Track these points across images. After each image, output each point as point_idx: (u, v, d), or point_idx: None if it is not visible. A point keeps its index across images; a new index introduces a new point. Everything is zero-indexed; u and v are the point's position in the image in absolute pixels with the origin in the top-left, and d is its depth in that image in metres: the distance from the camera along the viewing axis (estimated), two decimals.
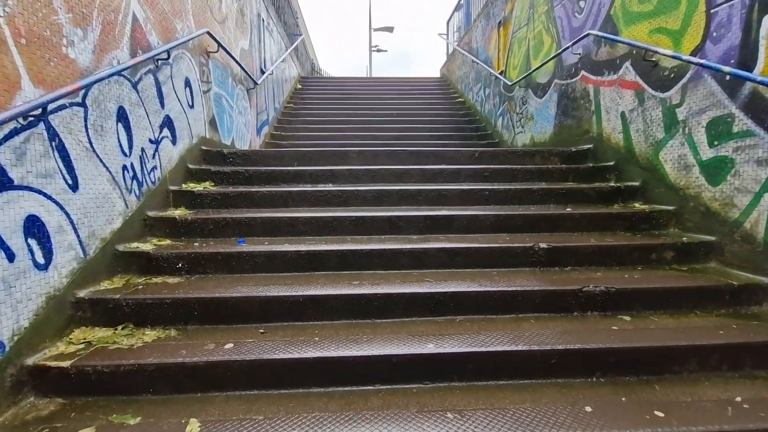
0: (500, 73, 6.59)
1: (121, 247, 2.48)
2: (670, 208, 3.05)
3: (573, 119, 4.46)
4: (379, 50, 26.42)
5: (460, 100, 8.99)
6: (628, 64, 3.55)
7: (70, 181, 2.08)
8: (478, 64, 7.73)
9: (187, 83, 3.59)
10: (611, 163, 3.75)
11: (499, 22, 6.64)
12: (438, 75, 12.57)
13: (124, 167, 2.57)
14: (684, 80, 2.93)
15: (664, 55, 2.99)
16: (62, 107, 2.03)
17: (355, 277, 2.49)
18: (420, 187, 3.39)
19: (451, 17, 11.17)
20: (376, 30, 25.64)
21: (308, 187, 3.42)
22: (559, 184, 3.63)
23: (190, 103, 3.63)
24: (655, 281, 2.42)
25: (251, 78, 5.43)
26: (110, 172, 2.42)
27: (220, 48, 4.20)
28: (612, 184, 3.54)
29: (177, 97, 3.36)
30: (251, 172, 3.60)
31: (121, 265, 2.47)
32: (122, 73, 2.54)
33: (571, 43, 4.26)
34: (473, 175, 3.75)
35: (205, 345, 1.94)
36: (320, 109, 8.43)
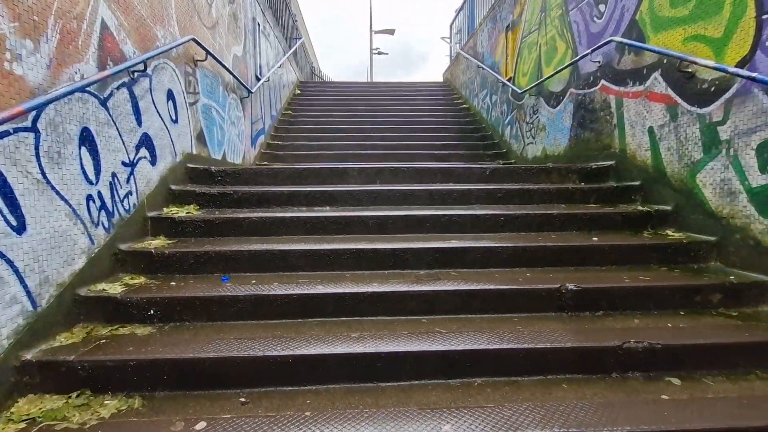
0: (508, 80, 6.25)
1: (83, 292, 2.14)
2: (711, 238, 2.70)
3: (591, 132, 4.11)
4: (380, 53, 26.14)
5: (464, 106, 8.65)
6: (657, 74, 3.21)
7: (14, 222, 1.74)
8: (483, 69, 7.39)
9: (170, 96, 3.25)
10: (637, 183, 3.40)
11: (507, 26, 6.30)
12: (441, 79, 12.25)
13: (90, 197, 2.23)
14: (728, 95, 2.59)
15: (704, 66, 2.65)
16: (3, 134, 1.69)
17: (356, 326, 2.15)
18: (427, 213, 3.04)
19: (454, 20, 10.85)
20: (377, 32, 25.37)
21: (303, 212, 3.08)
22: (581, 207, 3.29)
23: (174, 118, 3.30)
24: (705, 333, 2.07)
25: (245, 86, 5.09)
26: (70, 205, 2.08)
27: (209, 56, 3.87)
28: (640, 207, 3.19)
29: (157, 111, 3.03)
30: (240, 194, 3.26)
31: (84, 312, 2.13)
32: (87, 89, 2.20)
33: (590, 50, 3.92)
34: (485, 197, 3.40)
35: (172, 425, 1.60)
36: (319, 117, 8.10)
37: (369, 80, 26.90)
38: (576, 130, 4.39)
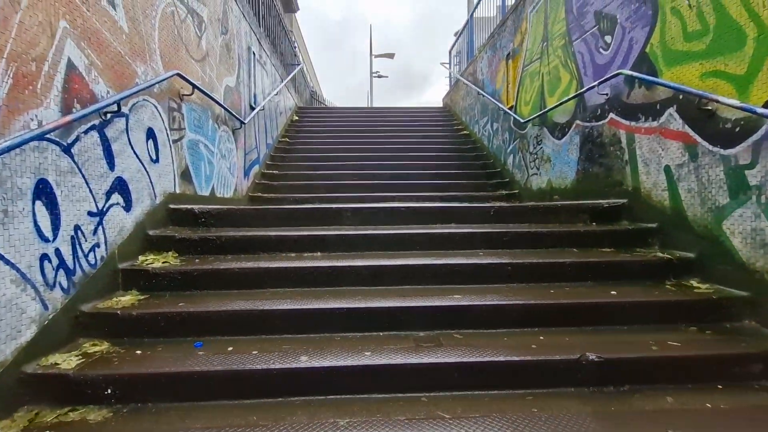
0: (510, 108, 6.09)
1: (30, 368, 1.86)
2: (743, 293, 2.42)
3: (601, 167, 3.89)
4: (380, 76, 26.43)
5: (465, 132, 8.50)
6: (672, 110, 2.99)
7: None
8: (484, 96, 7.26)
9: (151, 134, 3.04)
10: (653, 226, 3.15)
11: (508, 55, 6.18)
12: (440, 104, 12.18)
13: (44, 257, 1.98)
14: (756, 137, 2.36)
15: (728, 105, 2.43)
16: None
17: (345, 407, 1.85)
18: (427, 261, 2.77)
19: (453, 46, 10.83)
20: (377, 56, 25.70)
21: (291, 261, 2.81)
22: (595, 252, 3.02)
23: (154, 157, 3.07)
24: (755, 416, 1.77)
25: (237, 118, 4.91)
26: (18, 270, 1.82)
27: (197, 90, 3.68)
28: (659, 253, 2.92)
29: (135, 153, 2.80)
30: (224, 239, 3.00)
31: (30, 393, 1.83)
32: (47, 136, 1.97)
33: (597, 82, 3.73)
34: (490, 240, 3.14)
35: None
36: (316, 144, 7.93)
37: (369, 104, 27.09)
38: (584, 163, 4.17)
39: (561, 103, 4.44)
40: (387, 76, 25.75)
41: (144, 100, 2.94)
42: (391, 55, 25.37)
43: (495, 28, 6.85)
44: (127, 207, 2.71)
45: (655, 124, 3.16)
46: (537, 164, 5.22)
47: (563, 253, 2.98)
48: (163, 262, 2.74)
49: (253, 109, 5.85)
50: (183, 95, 3.56)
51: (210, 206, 3.49)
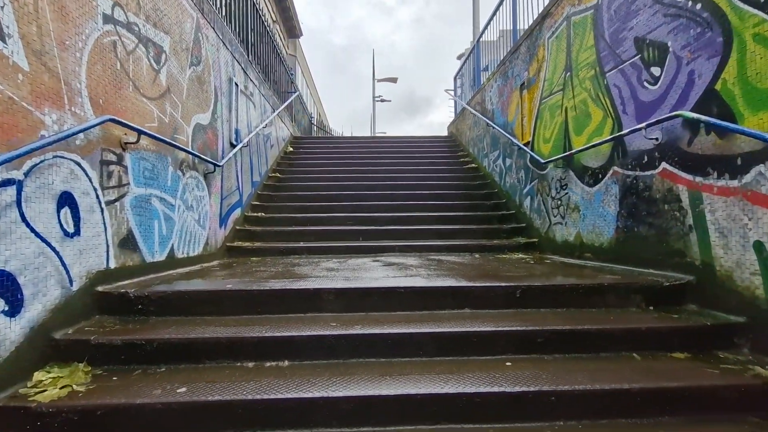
0: (526, 144, 5.35)
1: None
2: None
3: (650, 228, 3.09)
4: (383, 100, 26.15)
5: (472, 165, 7.77)
6: (763, 169, 2.22)
7: None
8: (494, 128, 6.55)
9: (67, 200, 2.30)
10: (741, 320, 2.33)
11: (522, 85, 5.50)
12: (445, 133, 11.53)
13: None
14: None
15: None
16: None
17: None
18: (435, 390, 1.94)
19: (458, 72, 10.25)
20: (380, 81, 25.48)
21: (243, 382, 2.00)
22: (665, 362, 2.18)
23: (71, 230, 2.33)
24: None
25: (208, 161, 4.19)
26: None
27: (147, 135, 2.98)
28: (759, 368, 2.09)
29: (33, 231, 2.06)
30: (156, 345, 2.21)
31: None
32: None
33: (644, 124, 2.99)
34: (519, 343, 2.32)
35: None
36: (310, 180, 7.22)
37: (371, 127, 26.68)
38: (625, 220, 3.38)
39: (593, 146, 3.69)
40: (390, 101, 25.42)
41: (56, 156, 2.22)
42: (394, 80, 25.12)
43: (506, 54, 6.21)
44: (14, 309, 1.94)
45: (735, 183, 2.39)
46: (562, 212, 4.44)
47: (621, 366, 2.15)
48: (62, 387, 1.94)
49: (234, 146, 5.16)
50: (126, 143, 2.85)
51: (153, 288, 2.71)
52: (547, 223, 4.80)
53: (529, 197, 5.35)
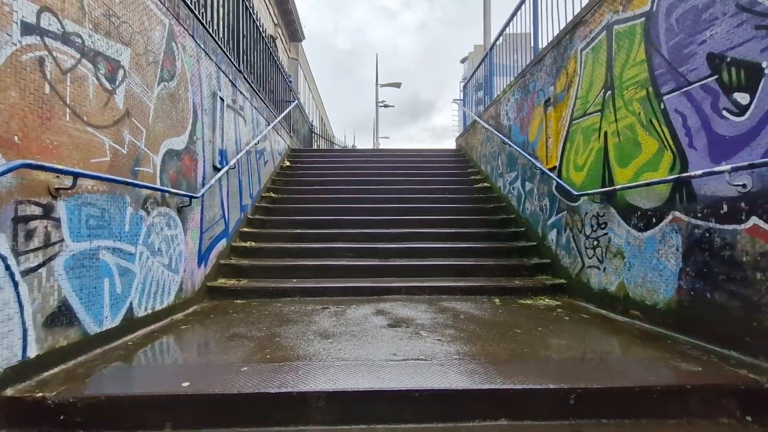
0: (551, 169, 4.69)
1: None
2: None
3: (732, 298, 2.42)
4: (386, 106, 25.57)
5: (485, 185, 7.10)
6: None
7: None
8: (511, 147, 5.88)
9: None
10: None
11: (547, 101, 4.83)
12: (451, 143, 10.88)
13: None
14: None
15: None
16: None
17: None
18: None
19: (468, 81, 9.60)
20: (383, 86, 24.92)
21: None
22: None
23: None
24: None
25: (180, 194, 3.54)
26: None
27: (92, 176, 2.33)
28: None
29: None
30: None
31: None
32: None
33: (728, 167, 2.32)
34: None
35: None
36: (307, 200, 6.57)
37: (374, 133, 26.06)
38: (692, 281, 2.71)
39: (646, 184, 3.02)
40: (393, 106, 24.82)
41: None
42: (397, 85, 24.54)
43: (527, 66, 5.54)
44: None
45: None
46: (599, 255, 3.76)
47: None
48: None
49: (218, 170, 4.51)
50: (59, 189, 2.20)
51: (70, 398, 2.05)
52: (578, 263, 4.13)
53: (554, 230, 4.68)
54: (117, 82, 2.74)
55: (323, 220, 5.83)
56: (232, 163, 4.78)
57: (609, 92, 3.63)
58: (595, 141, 3.84)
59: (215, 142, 4.48)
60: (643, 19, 3.20)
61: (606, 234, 3.66)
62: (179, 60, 3.65)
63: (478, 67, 8.59)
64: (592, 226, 3.89)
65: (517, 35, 6.28)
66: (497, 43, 7.22)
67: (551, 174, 4.64)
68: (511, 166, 6.12)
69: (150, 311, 3.13)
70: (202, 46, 4.15)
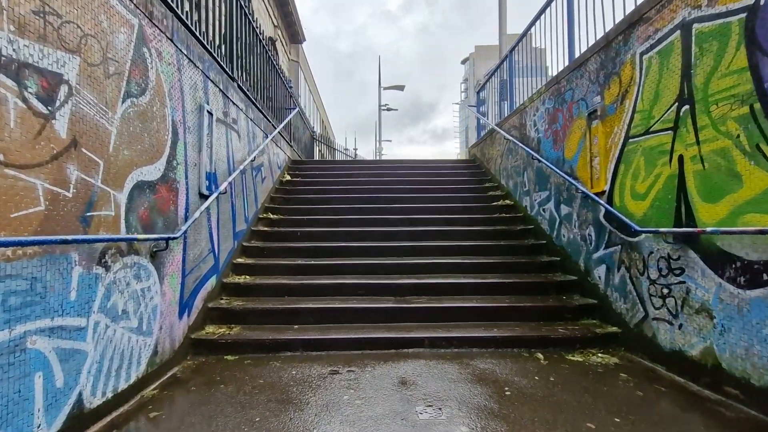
0: (599, 194, 3.98)
1: None
2: None
3: None
4: (389, 109, 24.91)
5: (507, 203, 6.38)
6: None
7: None
8: (541, 163, 5.17)
9: None
10: None
11: (592, 113, 4.12)
12: (456, 149, 10.18)
13: None
14: None
15: None
16: None
17: None
18: None
19: (483, 87, 8.89)
20: (386, 89, 24.27)
21: None
22: None
23: None
24: None
25: (156, 239, 2.83)
26: None
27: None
28: None
29: None
30: None
31: None
32: None
33: None
34: None
35: None
36: (309, 222, 5.87)
37: (376, 136, 25.35)
38: None
39: (760, 232, 2.31)
40: (397, 110, 24.14)
41: None
42: (401, 87, 23.87)
43: (561, 71, 4.83)
44: None
45: None
46: (671, 307, 3.05)
47: None
48: None
49: (205, 197, 3.81)
50: None
51: None
52: (638, 312, 3.41)
53: (603, 266, 3.96)
54: (57, 104, 2.03)
55: (328, 248, 5.12)
56: (222, 187, 4.08)
57: (686, 107, 2.92)
58: (663, 165, 3.13)
59: (202, 164, 3.78)
60: (743, 15, 2.49)
61: (683, 283, 2.95)
62: (153, 69, 2.95)
63: (494, 71, 7.88)
64: (660, 270, 3.18)
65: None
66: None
67: (598, 199, 3.93)
68: (541, 185, 5.40)
69: (111, 395, 2.42)
70: (185, 52, 3.45)
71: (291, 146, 8.94)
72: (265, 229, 5.59)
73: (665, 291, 3.12)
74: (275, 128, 7.10)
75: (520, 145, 5.79)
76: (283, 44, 20.04)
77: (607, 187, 3.88)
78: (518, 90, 6.68)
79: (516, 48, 6.71)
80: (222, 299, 4.18)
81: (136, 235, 2.57)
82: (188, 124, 3.53)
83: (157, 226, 2.97)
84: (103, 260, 2.37)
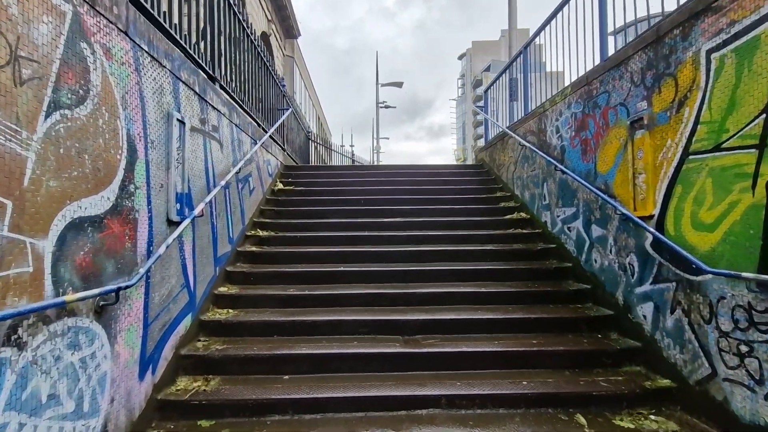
0: (646, 218, 3.36)
1: None
2: None
3: None
4: (387, 107, 24.22)
5: (521, 216, 5.76)
6: None
7: None
8: (562, 172, 4.54)
9: None
10: None
11: (635, 121, 3.49)
12: (462, 152, 9.54)
13: None
14: None
15: None
16: None
17: None
18: None
19: (490, 86, 8.24)
20: (383, 85, 23.59)
21: None
22: None
23: None
24: None
25: (98, 294, 2.17)
26: None
27: None
28: None
29: None
30: None
31: None
32: None
33: None
34: None
35: None
36: (302, 240, 5.23)
37: (374, 134, 24.66)
38: None
39: None
40: (395, 107, 23.46)
41: None
42: (399, 84, 23.18)
43: (594, 70, 4.19)
44: None
45: None
46: (756, 371, 2.44)
47: None
48: None
49: (176, 224, 3.16)
50: None
51: None
52: (702, 368, 2.80)
53: (650, 304, 3.35)
54: None
55: (324, 273, 4.48)
56: (198, 210, 3.41)
57: None
58: (743, 192, 2.51)
59: (171, 185, 3.12)
60: None
61: None
62: (97, 72, 2.29)
63: (506, 69, 7.23)
64: (735, 321, 2.56)
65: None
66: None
67: (644, 224, 3.31)
68: (565, 200, 4.78)
69: None
70: (145, 48, 2.78)
71: (284, 150, 8.27)
72: (253, 249, 4.94)
73: (744, 349, 2.51)
74: (266, 131, 6.44)
75: (540, 153, 5.16)
76: (277, 39, 19.27)
77: (656, 211, 3.26)
78: (534, 90, 6.05)
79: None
80: (199, 341, 3.54)
81: (62, 298, 1.91)
82: (151, 137, 2.87)
83: (105, 272, 2.32)
84: (13, 337, 1.72)
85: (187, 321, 3.44)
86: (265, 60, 6.78)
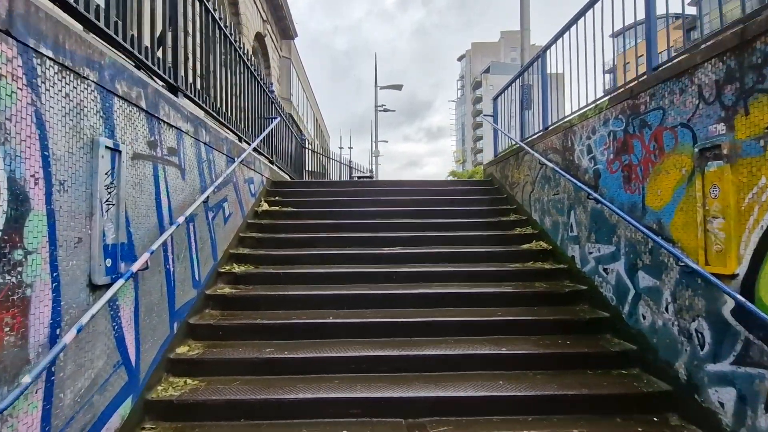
0: (723, 277, 2.57)
1: None
2: None
3: None
4: (386, 110, 23.46)
5: (541, 245, 4.97)
6: None
7: None
8: (596, 201, 3.76)
9: None
10: None
11: (705, 149, 2.70)
12: (461, 154, 8.76)
13: None
14: None
15: None
16: None
17: None
18: None
19: (500, 93, 7.45)
20: (382, 88, 22.84)
21: None
22: None
23: None
24: None
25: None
26: None
27: None
28: None
29: None
30: None
31: None
32: None
33: None
34: None
35: None
36: (287, 277, 4.43)
37: (372, 137, 23.87)
38: None
39: None
40: (394, 110, 22.70)
41: None
42: (398, 87, 22.44)
43: (642, 80, 3.41)
44: None
45: None
46: None
47: None
48: None
49: (103, 287, 2.35)
50: None
51: None
52: None
53: (731, 390, 2.55)
54: None
55: (310, 326, 3.68)
56: (140, 262, 2.60)
57: None
58: None
59: (95, 236, 2.32)
60: None
61: None
62: None
63: (520, 74, 6.44)
64: None
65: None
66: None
67: (721, 285, 2.51)
68: (600, 234, 3.98)
69: None
70: (49, 53, 1.98)
71: (272, 164, 7.47)
72: (225, 291, 4.13)
73: None
74: (249, 145, 5.64)
75: (567, 176, 4.36)
76: (273, 40, 18.49)
77: (740, 270, 2.47)
78: (555, 101, 5.27)
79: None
80: (143, 430, 2.74)
81: None
82: (60, 177, 2.07)
83: None
84: None
85: (124, 408, 2.63)
86: (246, 62, 5.98)
